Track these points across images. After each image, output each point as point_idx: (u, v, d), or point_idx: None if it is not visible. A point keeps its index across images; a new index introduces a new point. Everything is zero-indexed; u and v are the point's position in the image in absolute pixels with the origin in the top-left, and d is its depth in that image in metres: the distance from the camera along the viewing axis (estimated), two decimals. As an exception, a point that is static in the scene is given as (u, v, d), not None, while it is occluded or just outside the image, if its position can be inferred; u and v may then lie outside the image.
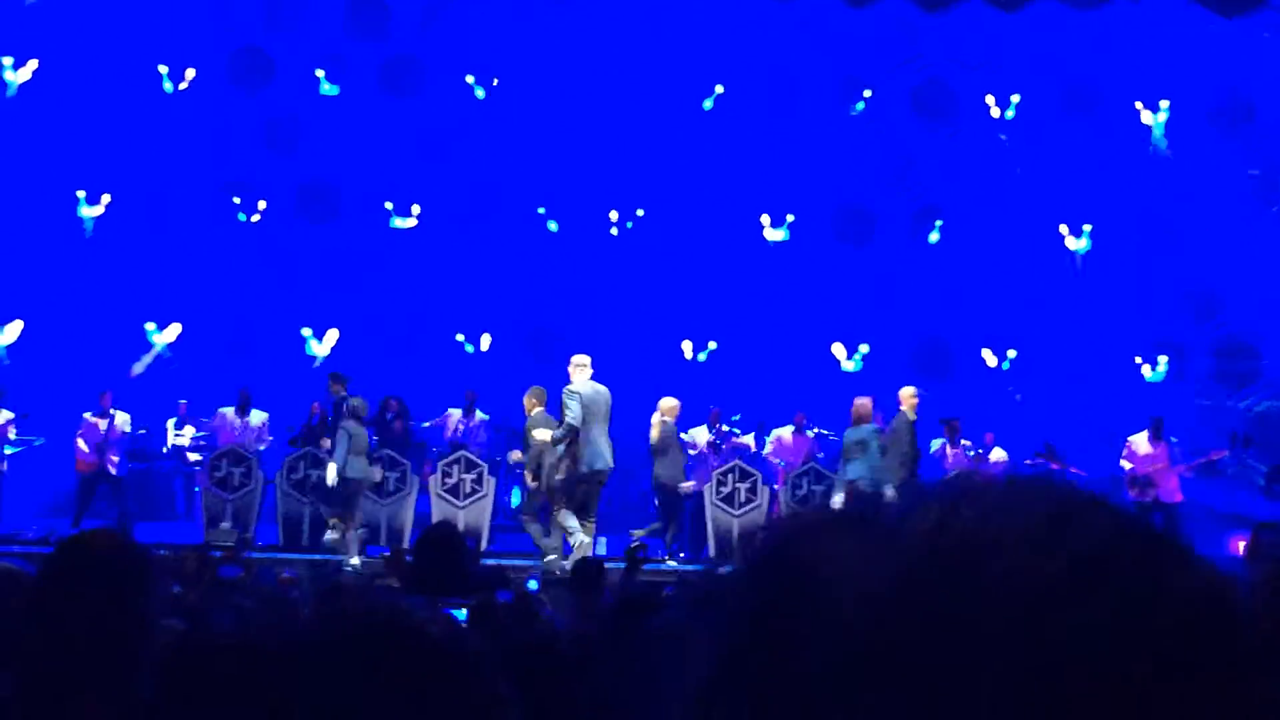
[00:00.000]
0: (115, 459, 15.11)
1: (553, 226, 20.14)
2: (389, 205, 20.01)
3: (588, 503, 12.51)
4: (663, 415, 14.54)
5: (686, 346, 19.89)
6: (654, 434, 14.52)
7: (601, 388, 12.44)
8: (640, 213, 20.03)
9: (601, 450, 12.26)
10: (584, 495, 12.44)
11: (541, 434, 12.49)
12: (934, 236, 20.11)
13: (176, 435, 17.46)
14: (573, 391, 12.21)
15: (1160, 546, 0.72)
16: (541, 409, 13.14)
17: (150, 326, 19.41)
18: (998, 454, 16.24)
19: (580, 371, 12.41)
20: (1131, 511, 0.74)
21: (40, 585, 2.40)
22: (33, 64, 19.04)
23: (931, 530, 0.72)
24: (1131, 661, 0.67)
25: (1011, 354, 19.71)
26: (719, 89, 20.08)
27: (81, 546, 2.40)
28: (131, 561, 2.38)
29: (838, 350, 19.95)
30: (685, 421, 17.17)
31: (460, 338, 19.86)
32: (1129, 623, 0.68)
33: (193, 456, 16.97)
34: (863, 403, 13.55)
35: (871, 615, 0.69)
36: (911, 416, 13.60)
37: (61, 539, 2.64)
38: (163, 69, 19.41)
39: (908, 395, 13.75)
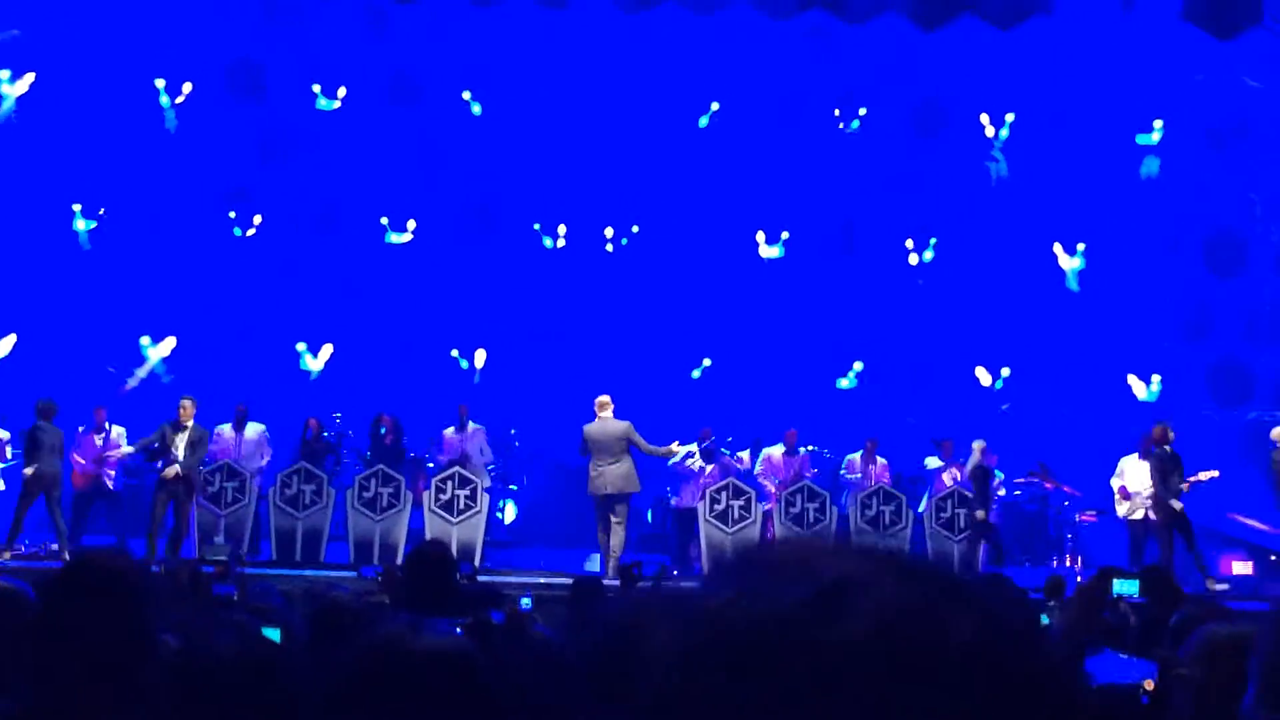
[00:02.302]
0: (112, 473, 15.07)
1: (548, 243, 20.15)
2: (384, 220, 20.00)
3: (601, 522, 14.29)
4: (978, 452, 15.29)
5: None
6: (970, 465, 15.29)
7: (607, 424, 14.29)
8: (636, 229, 20.04)
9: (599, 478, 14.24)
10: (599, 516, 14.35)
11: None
12: (928, 254, 20.14)
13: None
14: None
15: (956, 609, 0.72)
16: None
17: (145, 341, 19.38)
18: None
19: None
20: (931, 575, 0.75)
21: (46, 604, 2.40)
22: (29, 77, 19.07)
23: (723, 605, 0.73)
24: None
25: (1005, 372, 19.72)
26: (715, 106, 20.11)
27: (87, 565, 2.41)
28: (135, 579, 2.39)
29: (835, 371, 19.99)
30: (678, 439, 17.14)
31: (455, 353, 19.84)
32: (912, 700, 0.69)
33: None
34: (1163, 429, 14.25)
35: (672, 691, 0.71)
36: None
37: (68, 557, 2.65)
38: (159, 82, 19.41)
39: None
